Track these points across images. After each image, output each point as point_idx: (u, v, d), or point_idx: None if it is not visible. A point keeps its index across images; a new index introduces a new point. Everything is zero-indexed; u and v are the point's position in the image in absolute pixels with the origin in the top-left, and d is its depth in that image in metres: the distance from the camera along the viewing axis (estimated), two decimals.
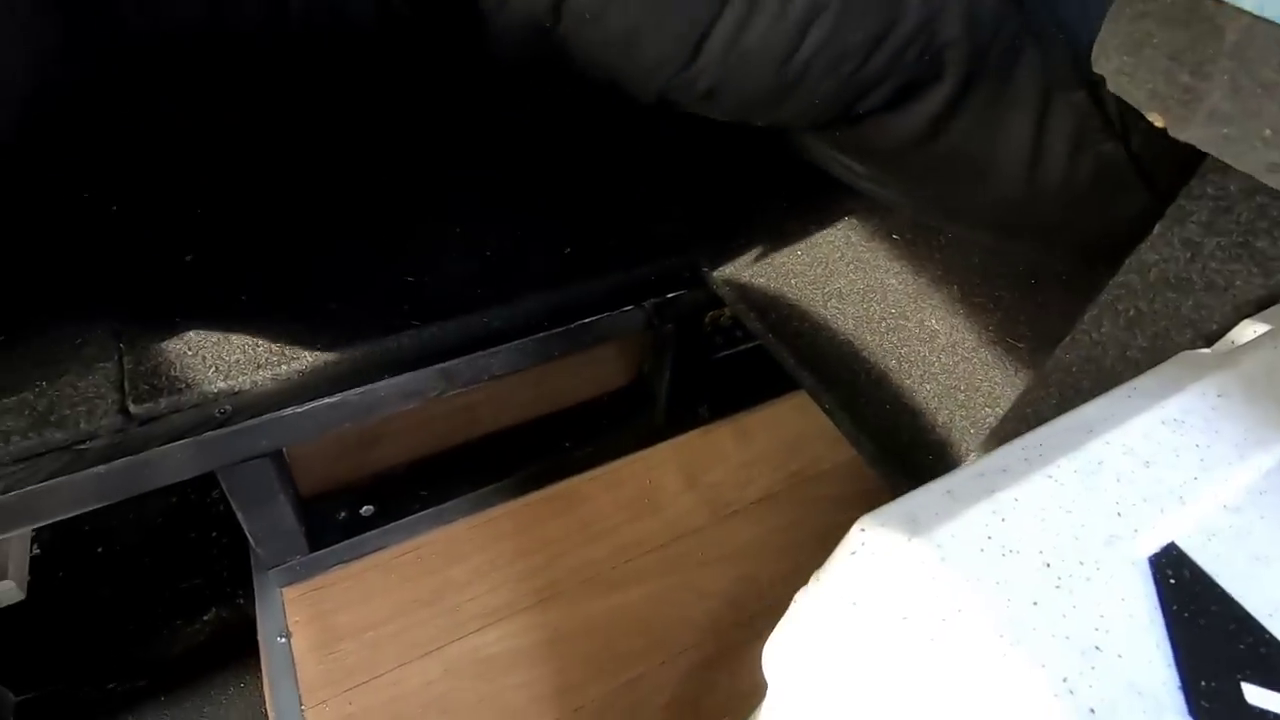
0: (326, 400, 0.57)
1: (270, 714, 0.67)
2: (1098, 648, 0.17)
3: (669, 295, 0.71)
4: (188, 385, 0.54)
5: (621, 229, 0.73)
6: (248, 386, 0.56)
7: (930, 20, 0.50)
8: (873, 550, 0.18)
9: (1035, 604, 0.17)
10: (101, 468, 0.50)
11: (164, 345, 0.56)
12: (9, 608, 0.87)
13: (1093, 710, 0.15)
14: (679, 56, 0.53)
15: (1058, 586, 0.18)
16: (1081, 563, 0.18)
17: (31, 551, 0.95)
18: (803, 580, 0.22)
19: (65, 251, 0.61)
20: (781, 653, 0.22)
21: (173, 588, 0.94)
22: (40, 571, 0.94)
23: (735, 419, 0.92)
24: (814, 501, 0.85)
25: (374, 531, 0.73)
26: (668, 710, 0.67)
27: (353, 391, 0.58)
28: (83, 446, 0.51)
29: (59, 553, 0.96)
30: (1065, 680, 0.16)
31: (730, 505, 0.84)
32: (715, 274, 0.70)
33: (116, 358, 0.54)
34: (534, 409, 0.86)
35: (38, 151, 0.57)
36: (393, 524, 0.74)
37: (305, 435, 0.58)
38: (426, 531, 0.76)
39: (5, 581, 0.88)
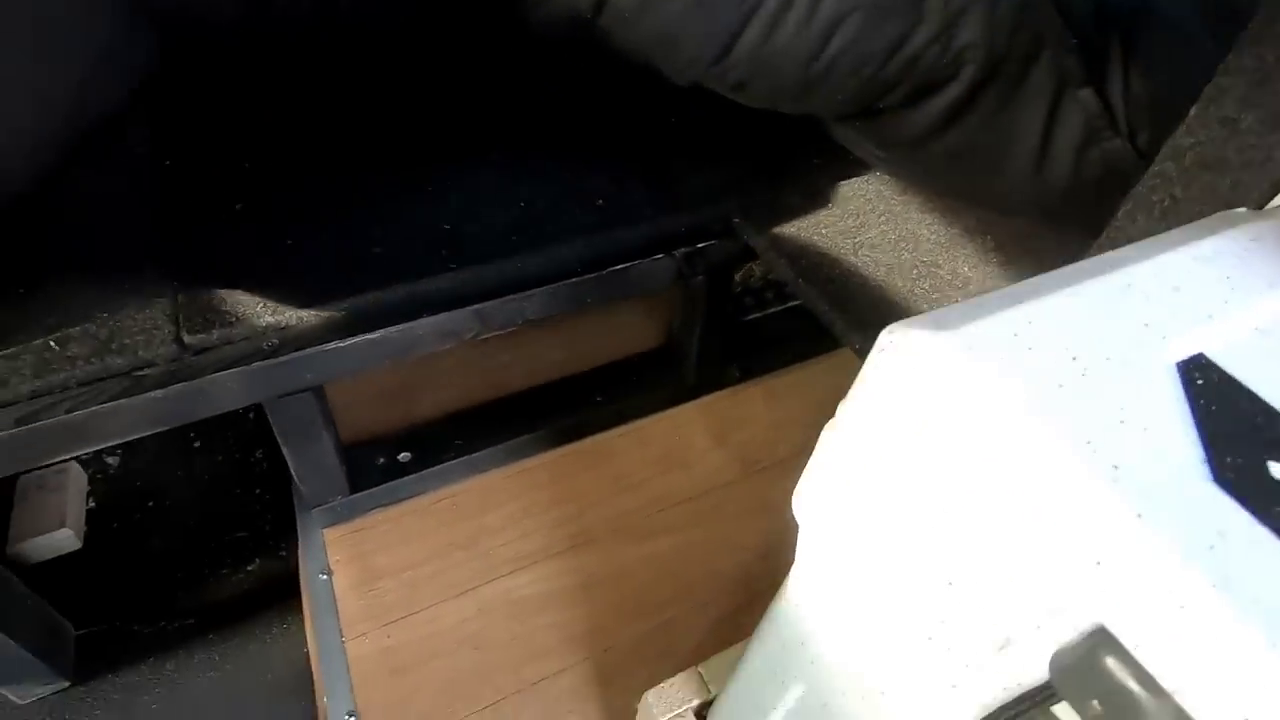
0: (368, 336, 0.59)
1: (312, 648, 0.69)
2: (1123, 421, 0.17)
3: (699, 245, 0.71)
4: (237, 319, 0.56)
5: (654, 182, 0.74)
6: (293, 322, 0.58)
7: (950, 25, 0.53)
8: (899, 347, 0.19)
9: (1060, 386, 0.17)
10: (159, 393, 0.53)
11: (215, 282, 0.59)
12: (68, 555, 0.92)
13: (1116, 466, 0.16)
14: (711, 54, 0.57)
15: (1084, 375, 0.18)
16: (1109, 359, 0.18)
17: (87, 505, 1.00)
18: None
19: (126, 199, 0.64)
20: (813, 489, 0.23)
21: (219, 540, 0.98)
22: (95, 523, 0.98)
23: (764, 380, 0.92)
24: None
25: (411, 477, 0.75)
26: (696, 653, 0.68)
27: (393, 329, 0.60)
28: (141, 373, 0.54)
29: (113, 507, 1.00)
30: (1089, 442, 0.16)
31: (760, 462, 0.84)
32: (746, 224, 0.71)
33: (171, 293, 0.57)
34: (565, 368, 0.87)
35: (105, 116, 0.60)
36: (429, 470, 0.76)
37: (347, 370, 0.60)
38: (461, 479, 0.78)
39: (64, 530, 0.93)
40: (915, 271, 0.67)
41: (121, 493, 1.02)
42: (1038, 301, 0.20)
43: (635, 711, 0.62)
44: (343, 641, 0.66)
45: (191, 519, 1.00)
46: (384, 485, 0.74)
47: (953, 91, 0.57)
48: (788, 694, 0.30)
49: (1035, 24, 0.55)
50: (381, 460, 0.76)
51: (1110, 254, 0.23)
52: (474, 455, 0.78)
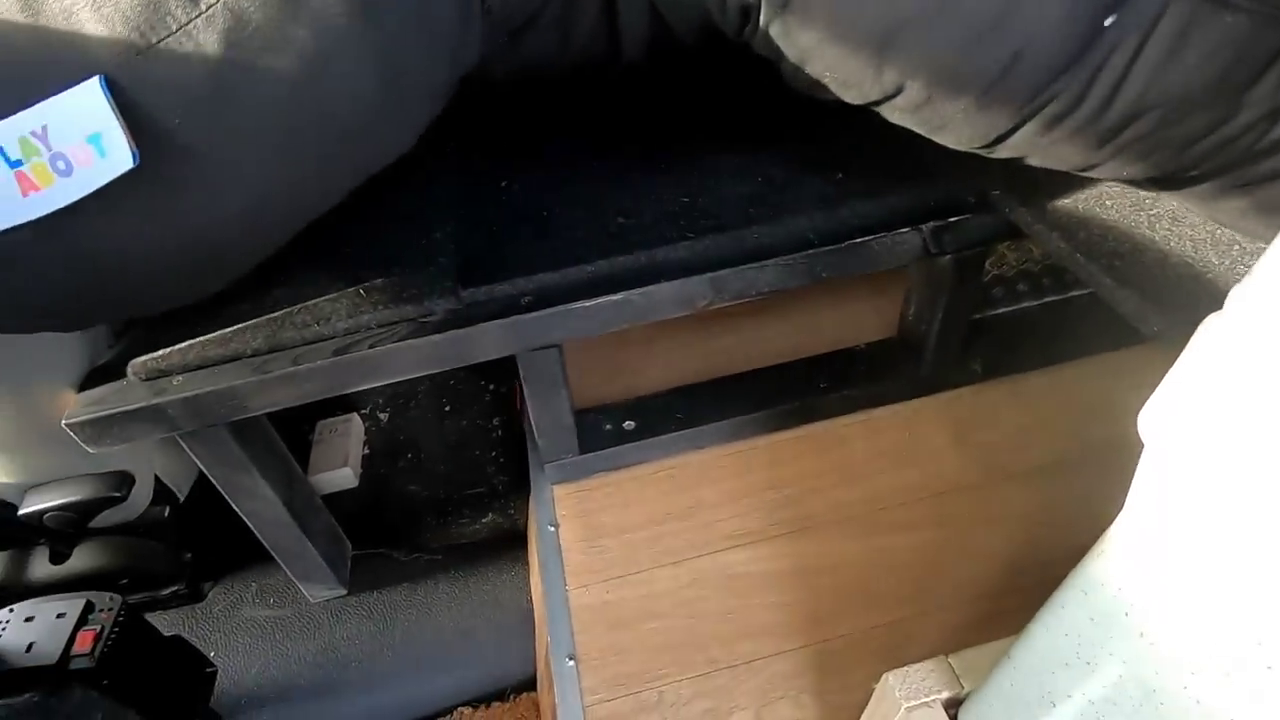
0: (611, 298, 0.62)
1: (538, 589, 0.74)
2: None
3: (950, 219, 0.66)
4: (502, 278, 0.63)
5: (900, 151, 0.69)
6: (547, 283, 0.63)
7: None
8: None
9: None
10: (438, 336, 0.60)
11: (486, 247, 0.66)
12: (347, 490, 1.08)
13: None
14: (979, 144, 0.55)
15: None
16: None
17: (364, 451, 1.17)
18: None
19: (421, 181, 0.74)
20: (1180, 400, 0.19)
21: (460, 492, 1.10)
22: (369, 467, 1.15)
23: (1011, 380, 0.82)
24: (1113, 474, 0.73)
25: (634, 444, 0.78)
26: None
27: (634, 292, 0.62)
28: (426, 319, 0.61)
29: (382, 454, 1.17)
30: None
31: (1005, 468, 0.75)
32: (1008, 196, 0.64)
33: (451, 255, 0.65)
34: (790, 352, 0.85)
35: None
36: (651, 439, 0.78)
37: (589, 329, 0.63)
38: (681, 453, 0.79)
39: (346, 469, 1.09)
40: (1236, 249, 0.56)
41: (389, 444, 1.18)
42: None
43: (854, 707, 0.58)
44: (566, 590, 0.70)
45: (441, 471, 1.13)
46: (609, 449, 0.77)
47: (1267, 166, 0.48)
48: (1093, 679, 0.25)
49: None
50: (608, 427, 0.79)
51: None
52: (695, 430, 0.78)
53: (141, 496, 0.75)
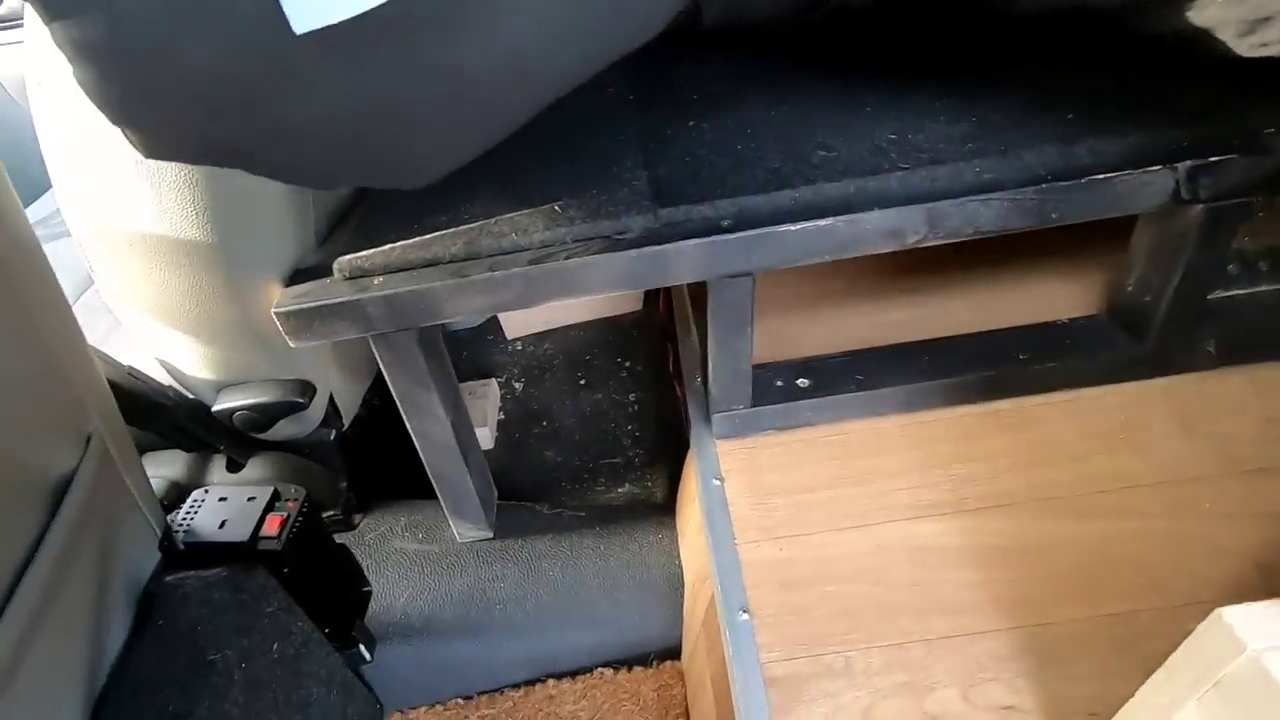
0: (816, 223, 0.58)
1: (700, 545, 0.70)
2: None
3: (1210, 159, 0.58)
4: (701, 199, 0.60)
5: (1141, 95, 0.62)
6: (748, 207, 0.60)
7: None
8: None
9: None
10: (633, 252, 0.58)
11: (685, 170, 0.64)
12: (484, 451, 1.08)
13: None
14: None
15: None
16: None
17: (499, 416, 1.18)
18: None
19: (610, 122, 0.74)
20: None
21: (596, 461, 1.08)
22: (503, 430, 1.15)
23: (1252, 369, 0.72)
24: None
25: (806, 403, 0.73)
26: (1163, 658, 0.52)
27: (839, 219, 0.58)
28: (621, 236, 0.60)
29: (516, 421, 1.17)
30: None
31: (1250, 461, 0.65)
32: None
33: (647, 177, 0.63)
34: (984, 321, 0.78)
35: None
36: (825, 399, 0.72)
37: (789, 257, 0.59)
38: (855, 417, 0.73)
39: (484, 429, 1.10)
40: None
41: (523, 412, 1.18)
42: None
43: (1079, 699, 0.50)
44: (735, 544, 0.65)
45: (576, 440, 1.11)
46: (780, 405, 0.73)
47: None
48: None
49: None
50: (780, 383, 0.74)
51: None
52: (872, 393, 0.73)
53: (315, 412, 0.76)
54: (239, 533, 0.56)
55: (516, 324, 1.31)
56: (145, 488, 0.55)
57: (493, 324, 1.33)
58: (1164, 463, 0.66)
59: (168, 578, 0.54)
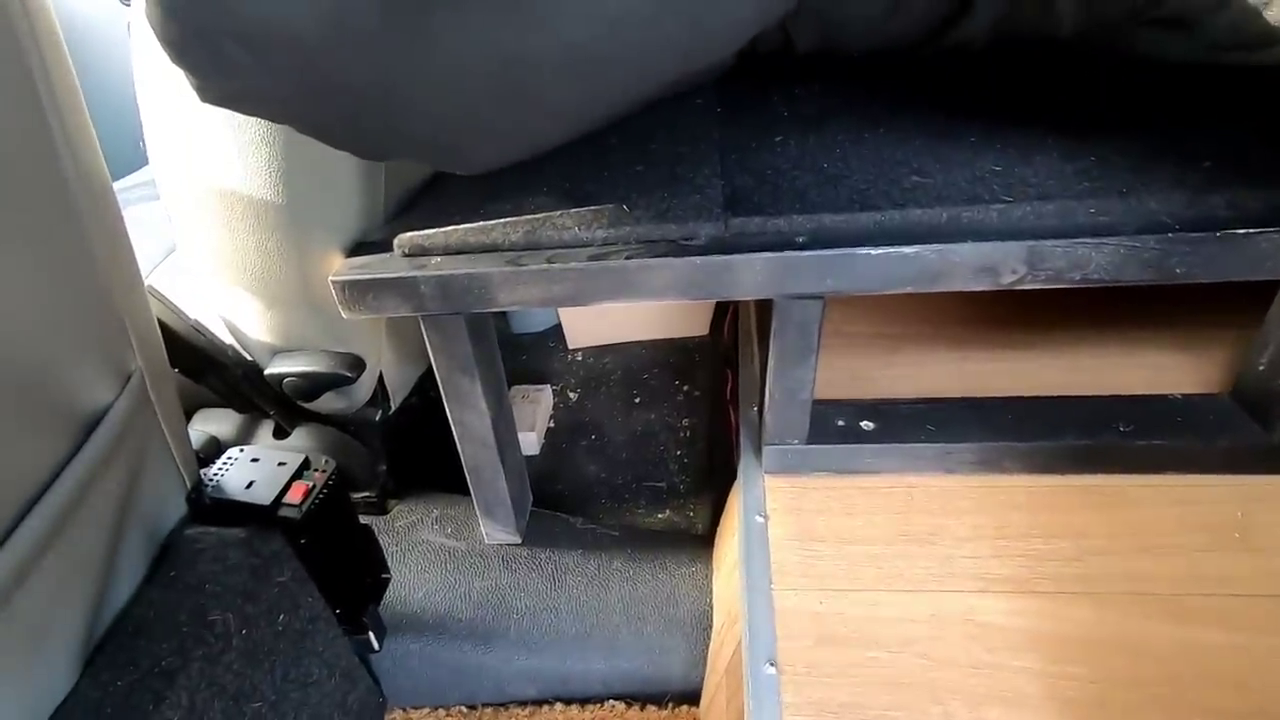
0: (900, 250, 0.53)
1: (733, 587, 0.64)
2: None
3: None
4: (776, 211, 0.56)
5: None
6: (828, 224, 0.55)
7: None
8: None
9: None
10: (698, 259, 0.55)
11: (761, 183, 0.60)
12: (529, 456, 1.06)
13: None
14: None
15: None
16: None
17: (549, 424, 1.16)
18: None
19: (689, 133, 0.71)
20: None
21: (639, 483, 1.04)
22: (552, 439, 1.13)
23: None
24: None
25: (870, 446, 0.67)
26: None
27: (928, 248, 0.53)
28: (687, 241, 0.56)
29: (565, 431, 1.14)
30: None
31: None
32: None
33: (722, 187, 0.60)
34: (1081, 387, 0.70)
35: None
36: (890, 445, 0.66)
37: (867, 285, 0.55)
38: (923, 471, 0.67)
39: (531, 435, 1.08)
40: None
41: (573, 422, 1.15)
42: None
43: None
44: (771, 588, 0.59)
45: (623, 458, 1.08)
46: (839, 446, 0.67)
47: None
48: None
49: None
50: (841, 422, 0.69)
51: None
52: (945, 446, 0.66)
53: (363, 390, 0.76)
54: (263, 495, 0.55)
55: (580, 333, 1.29)
56: (182, 438, 0.55)
57: (556, 331, 1.32)
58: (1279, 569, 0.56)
59: (188, 530, 0.54)
